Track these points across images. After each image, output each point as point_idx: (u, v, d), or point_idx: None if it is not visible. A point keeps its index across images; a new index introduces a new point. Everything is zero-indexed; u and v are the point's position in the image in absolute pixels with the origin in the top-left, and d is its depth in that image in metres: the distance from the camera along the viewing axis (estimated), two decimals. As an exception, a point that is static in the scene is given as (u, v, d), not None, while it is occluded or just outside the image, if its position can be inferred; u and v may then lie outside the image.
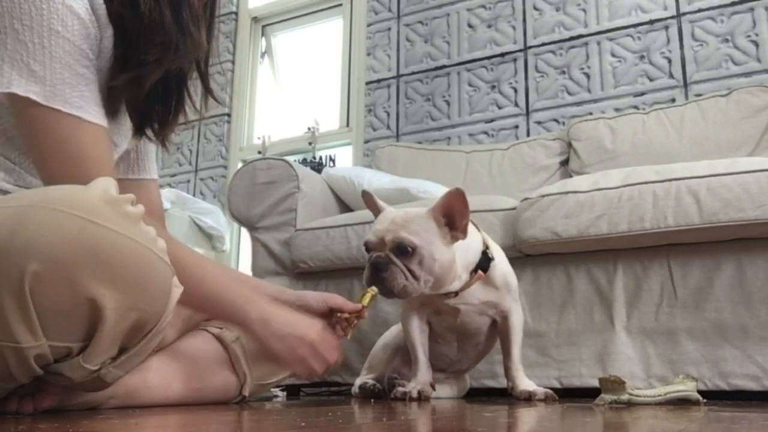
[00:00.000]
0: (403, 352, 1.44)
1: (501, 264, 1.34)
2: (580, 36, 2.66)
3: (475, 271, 1.27)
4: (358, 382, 1.45)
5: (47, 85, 0.81)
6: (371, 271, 1.20)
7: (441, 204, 1.18)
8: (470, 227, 1.30)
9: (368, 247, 1.23)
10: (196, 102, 1.05)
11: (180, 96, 1.03)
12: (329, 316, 1.20)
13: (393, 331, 1.51)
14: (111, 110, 0.92)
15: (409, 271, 1.18)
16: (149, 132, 1.03)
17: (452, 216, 1.19)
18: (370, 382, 1.42)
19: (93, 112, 0.86)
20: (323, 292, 1.23)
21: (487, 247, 1.30)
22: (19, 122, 0.85)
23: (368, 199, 1.31)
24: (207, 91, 1.05)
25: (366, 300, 1.19)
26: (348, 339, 1.21)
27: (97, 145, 0.86)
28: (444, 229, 1.19)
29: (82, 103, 0.84)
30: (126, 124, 0.99)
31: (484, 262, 1.28)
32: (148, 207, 1.01)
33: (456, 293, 1.28)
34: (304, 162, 3.08)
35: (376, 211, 1.29)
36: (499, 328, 1.38)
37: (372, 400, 1.30)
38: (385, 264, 1.18)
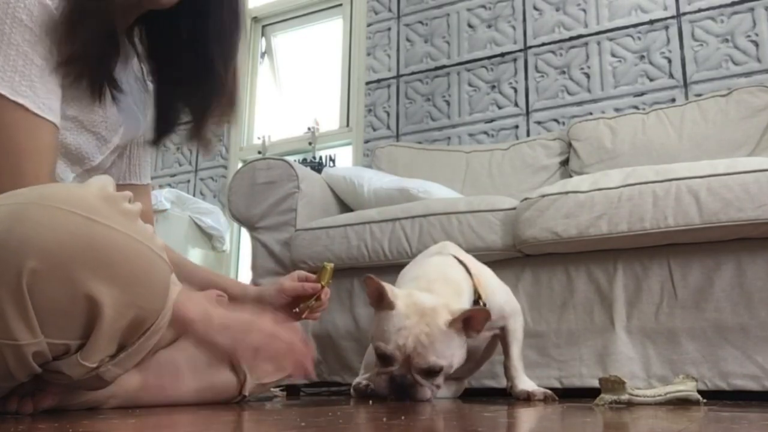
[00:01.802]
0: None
1: (495, 301, 1.34)
2: (580, 36, 2.66)
3: None
4: (355, 382, 1.45)
5: None
6: (393, 387, 1.19)
7: (463, 317, 1.19)
8: (461, 276, 1.31)
9: (387, 359, 1.19)
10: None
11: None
12: (294, 304, 1.18)
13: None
14: (92, 90, 0.90)
15: (435, 385, 1.21)
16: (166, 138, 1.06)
17: (470, 324, 1.21)
18: (364, 382, 1.41)
19: (41, 105, 0.83)
20: (279, 281, 1.19)
21: (479, 296, 1.30)
22: None
23: (372, 285, 1.22)
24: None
25: (324, 278, 1.15)
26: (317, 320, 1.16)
27: (36, 137, 0.83)
28: (461, 333, 1.22)
29: (30, 93, 0.82)
30: (112, 117, 0.98)
31: None
32: None
33: None
34: (304, 162, 3.07)
35: (387, 302, 1.21)
36: (499, 334, 1.38)
37: (371, 401, 1.30)
38: (411, 385, 1.19)
